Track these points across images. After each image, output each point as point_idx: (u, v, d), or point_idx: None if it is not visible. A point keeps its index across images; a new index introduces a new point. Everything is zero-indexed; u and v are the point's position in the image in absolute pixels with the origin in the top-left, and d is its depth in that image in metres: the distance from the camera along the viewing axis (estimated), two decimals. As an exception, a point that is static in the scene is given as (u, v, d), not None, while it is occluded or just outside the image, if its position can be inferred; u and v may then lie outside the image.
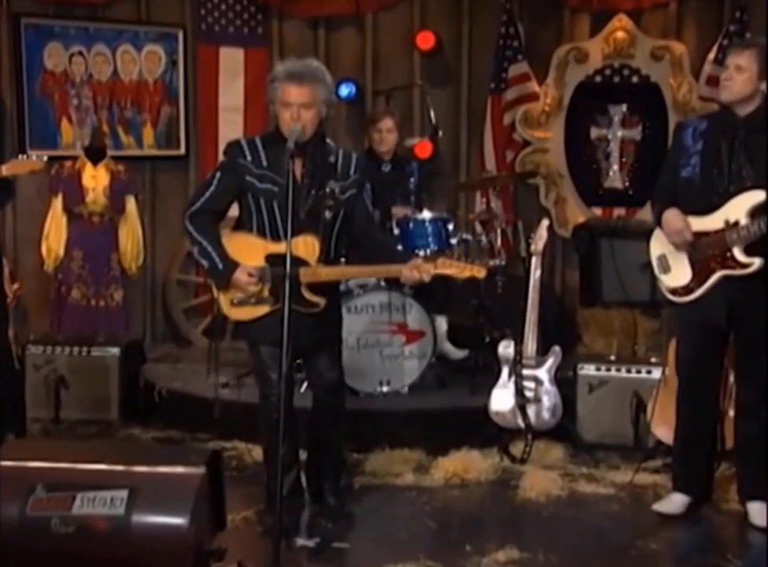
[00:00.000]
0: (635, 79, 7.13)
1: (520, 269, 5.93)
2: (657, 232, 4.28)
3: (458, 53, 7.44)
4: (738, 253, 4.04)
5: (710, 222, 4.09)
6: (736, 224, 4.03)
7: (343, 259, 4.19)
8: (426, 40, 7.18)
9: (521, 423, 5.06)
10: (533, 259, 5.18)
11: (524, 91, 7.21)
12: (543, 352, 5.15)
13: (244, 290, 3.92)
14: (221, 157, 4.10)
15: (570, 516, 4.43)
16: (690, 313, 4.22)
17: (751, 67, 4.00)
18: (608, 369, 5.35)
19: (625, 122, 7.16)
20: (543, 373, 5.09)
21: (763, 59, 4.01)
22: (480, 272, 3.81)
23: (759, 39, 4.19)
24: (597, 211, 7.26)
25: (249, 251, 3.93)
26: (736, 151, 4.04)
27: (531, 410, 5.06)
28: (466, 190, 7.33)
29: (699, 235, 4.13)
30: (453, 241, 5.70)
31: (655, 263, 4.30)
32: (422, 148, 6.70)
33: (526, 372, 5.09)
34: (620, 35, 7.08)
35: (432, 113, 6.81)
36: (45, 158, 4.80)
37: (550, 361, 5.11)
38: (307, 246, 3.84)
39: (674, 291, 4.23)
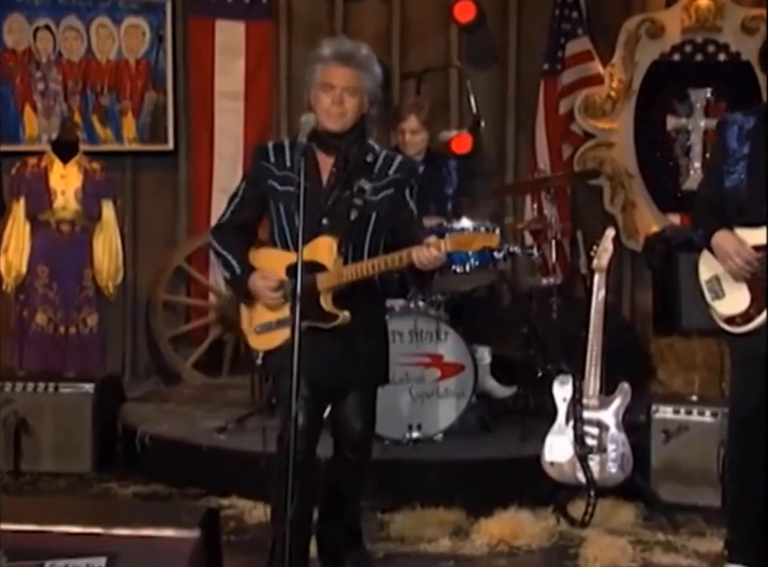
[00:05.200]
0: (722, 57, 7.15)
1: (580, 289, 5.94)
2: (705, 253, 4.30)
3: (504, 27, 7.48)
4: None
5: None
6: None
7: None
8: (465, 11, 7.20)
9: (581, 477, 5.04)
10: (596, 277, 5.18)
11: (585, 73, 7.24)
12: (608, 391, 5.14)
13: (264, 297, 4.01)
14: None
15: (643, 593, 4.43)
16: (750, 345, 4.20)
17: None
18: (689, 412, 5.33)
19: (710, 110, 7.16)
20: (608, 416, 5.08)
21: None
22: (492, 240, 3.92)
23: None
24: (674, 218, 7.26)
25: (271, 265, 4.05)
26: None
27: (594, 462, 5.05)
28: (513, 194, 7.34)
29: (755, 249, 4.15)
30: (498, 255, 5.70)
31: (705, 288, 4.31)
32: (461, 143, 6.72)
33: (587, 414, 5.08)
34: (703, 3, 7.10)
35: (473, 100, 6.83)
36: None
37: (617, 402, 5.10)
38: (324, 248, 3.92)
39: (731, 320, 4.23)
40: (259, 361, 4.28)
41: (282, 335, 4.00)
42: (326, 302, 3.93)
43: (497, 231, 5.37)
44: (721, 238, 4.20)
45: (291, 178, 3.97)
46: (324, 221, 3.94)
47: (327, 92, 3.94)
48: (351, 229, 3.96)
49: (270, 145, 4.16)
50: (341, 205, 3.97)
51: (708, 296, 4.31)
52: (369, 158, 4.05)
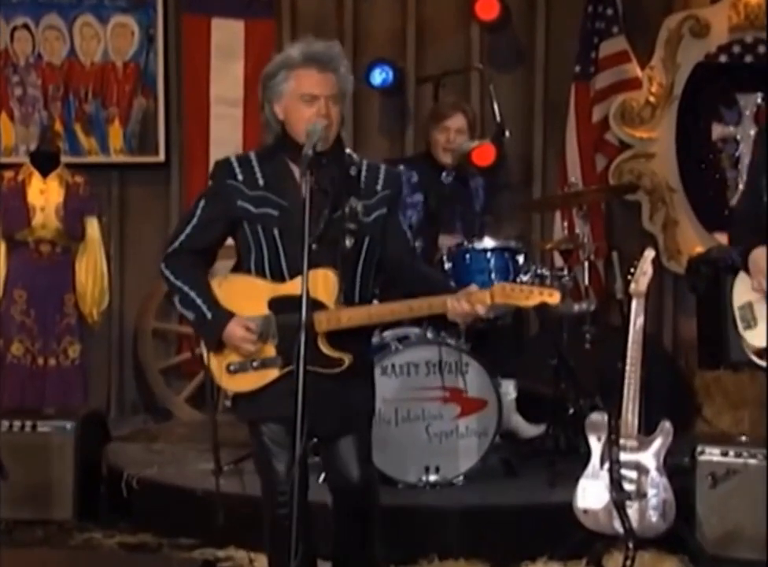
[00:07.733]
0: (774, 58, 7.16)
1: (616, 316, 5.93)
2: (742, 275, 4.29)
3: (531, 26, 7.51)
4: None
5: None
6: None
7: (376, 302, 4.21)
8: (488, 8, 7.23)
9: (618, 526, 5.03)
10: (634, 302, 5.17)
11: (621, 76, 7.26)
12: (648, 430, 5.12)
13: (237, 349, 3.94)
14: (212, 169, 4.13)
15: None
16: None
17: None
18: (738, 454, 5.31)
19: (760, 117, 7.16)
20: (648, 459, 5.06)
21: None
22: (553, 298, 3.82)
23: None
24: (722, 238, 7.23)
25: (248, 298, 3.95)
26: None
27: (633, 509, 5.03)
28: (541, 210, 7.34)
29: None
30: (525, 277, 5.72)
31: (738, 315, 4.29)
32: (483, 154, 6.71)
33: (624, 456, 5.07)
34: (754, -2, 7.13)
35: (496, 107, 6.85)
36: None
37: (658, 443, 5.08)
38: (321, 283, 3.84)
39: (761, 353, 4.22)
40: (228, 403, 4.22)
41: (263, 377, 3.94)
42: (325, 345, 3.88)
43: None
44: (758, 255, 4.19)
45: (268, 198, 3.93)
46: (314, 247, 3.75)
47: (310, 103, 3.85)
48: (346, 258, 3.89)
49: (233, 160, 4.02)
50: (333, 229, 3.87)
51: (740, 325, 4.30)
52: (353, 171, 3.99)
